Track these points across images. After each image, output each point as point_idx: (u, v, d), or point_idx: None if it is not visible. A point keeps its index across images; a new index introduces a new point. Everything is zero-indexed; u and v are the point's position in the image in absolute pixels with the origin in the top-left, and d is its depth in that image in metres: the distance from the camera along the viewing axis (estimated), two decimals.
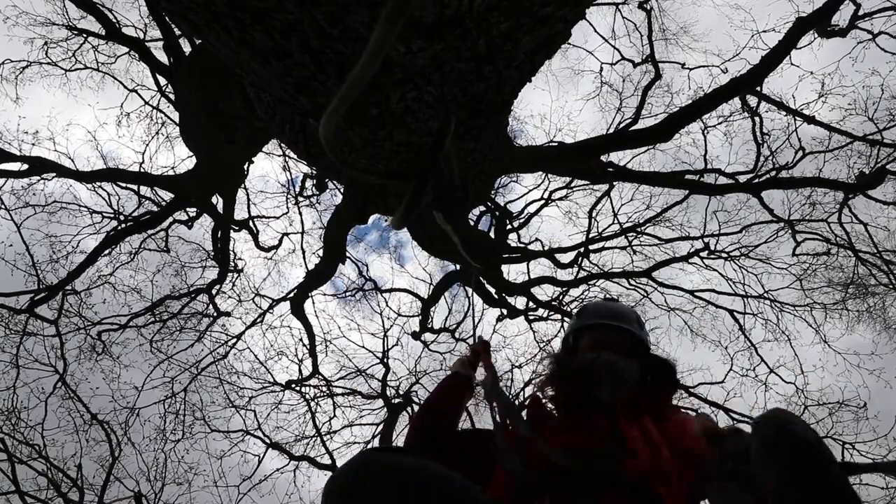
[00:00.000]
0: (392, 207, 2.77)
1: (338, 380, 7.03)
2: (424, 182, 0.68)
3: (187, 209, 5.70)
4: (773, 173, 5.64)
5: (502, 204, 6.36)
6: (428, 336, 7.07)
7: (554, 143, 6.43)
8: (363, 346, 7.08)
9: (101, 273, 6.25)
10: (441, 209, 0.85)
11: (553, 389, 1.21)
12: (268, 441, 6.67)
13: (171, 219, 5.78)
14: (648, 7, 5.91)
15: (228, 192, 5.18)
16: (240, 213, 6.14)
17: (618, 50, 6.66)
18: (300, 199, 6.76)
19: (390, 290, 7.40)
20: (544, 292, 6.72)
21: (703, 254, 6.51)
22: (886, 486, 5.75)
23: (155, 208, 5.73)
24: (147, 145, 6.39)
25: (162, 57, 4.71)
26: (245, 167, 5.31)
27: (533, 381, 5.92)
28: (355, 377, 7.03)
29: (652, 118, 6.63)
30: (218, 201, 5.29)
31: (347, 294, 7.60)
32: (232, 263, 6.43)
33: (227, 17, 1.18)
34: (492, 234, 5.92)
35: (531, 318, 6.62)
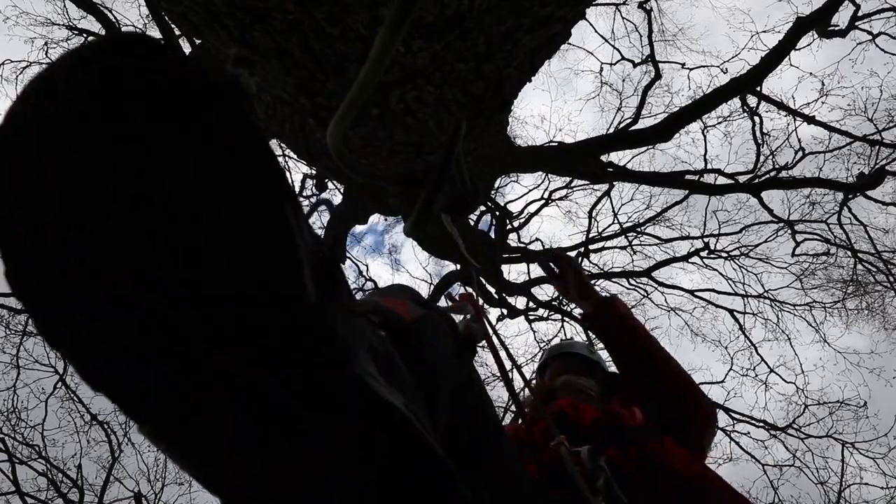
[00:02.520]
0: (392, 207, 2.77)
1: None
2: (437, 189, 0.68)
3: None
4: (773, 173, 5.65)
5: (502, 204, 6.37)
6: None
7: (554, 143, 6.44)
8: None
9: None
10: (451, 213, 0.85)
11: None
12: None
13: None
14: (648, 7, 5.91)
15: None
16: None
17: (618, 50, 6.68)
18: (300, 199, 6.75)
19: None
20: (544, 292, 6.73)
21: (703, 253, 6.52)
22: (886, 486, 5.75)
23: None
24: None
25: None
26: None
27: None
28: None
29: (652, 118, 6.65)
30: None
31: None
32: None
33: (227, 16, 1.18)
34: (492, 234, 5.92)
35: (531, 317, 6.62)
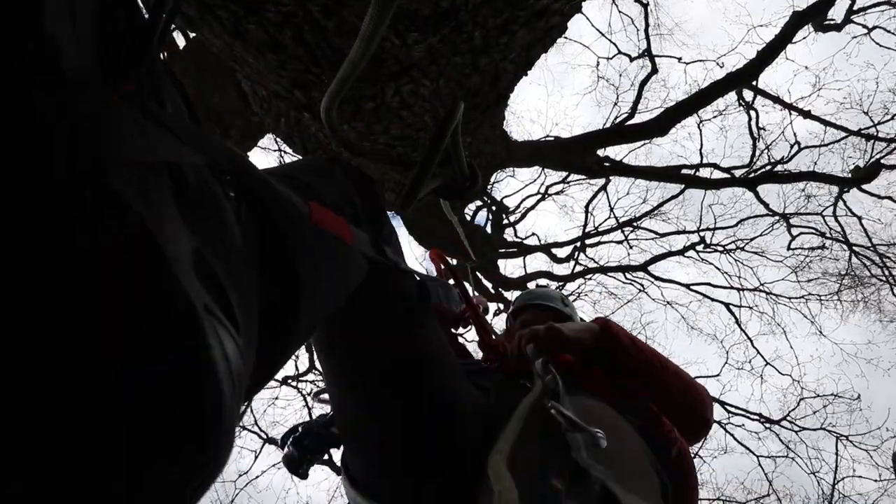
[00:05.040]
0: (388, 202, 2.76)
1: None
2: (430, 162, 0.67)
3: None
4: (769, 167, 5.66)
5: (499, 199, 6.37)
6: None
7: (550, 138, 6.43)
8: None
9: None
10: (448, 197, 0.84)
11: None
12: (264, 436, 6.68)
13: None
14: (645, 1, 5.89)
15: None
16: None
17: (614, 44, 6.66)
18: None
19: None
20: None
21: (699, 247, 6.54)
22: (879, 478, 5.80)
23: None
24: None
25: None
26: None
27: None
28: None
29: (648, 113, 6.65)
30: None
31: None
32: None
33: (220, 8, 1.17)
34: (488, 229, 5.92)
35: None
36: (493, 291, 5.89)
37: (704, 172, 5.54)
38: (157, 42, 0.32)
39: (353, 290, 0.62)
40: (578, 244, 6.32)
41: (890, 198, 5.59)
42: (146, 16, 0.31)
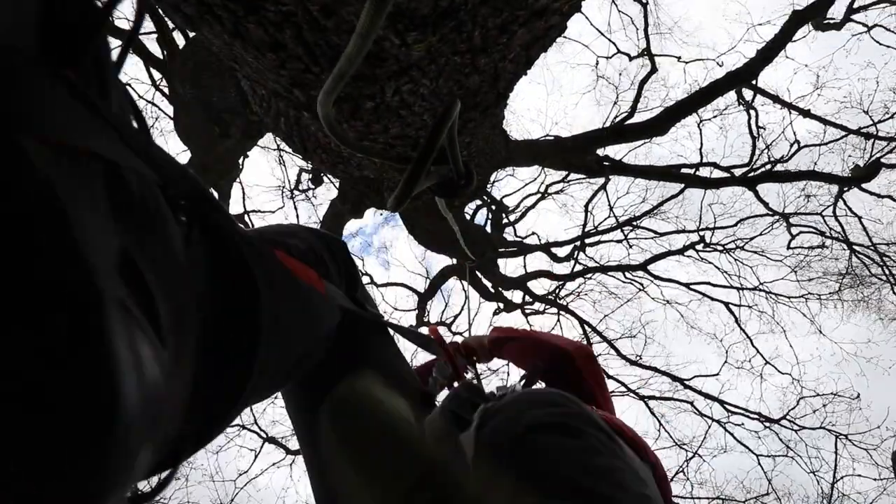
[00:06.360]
0: (387, 201, 2.76)
1: None
2: (424, 160, 0.67)
3: None
4: (769, 167, 5.66)
5: (498, 198, 6.37)
6: (424, 330, 7.03)
7: (550, 137, 6.43)
8: None
9: None
10: (444, 195, 0.85)
11: None
12: (264, 435, 6.68)
13: None
14: (644, 0, 5.88)
15: (223, 186, 5.15)
16: (235, 208, 6.13)
17: (614, 43, 6.65)
18: (296, 193, 6.73)
19: (387, 285, 7.40)
20: (541, 286, 6.75)
21: (699, 247, 6.54)
22: (879, 477, 5.81)
23: None
24: None
25: (156, 50, 4.67)
26: (240, 161, 5.27)
27: None
28: None
29: (648, 112, 6.65)
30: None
31: None
32: None
33: (219, 8, 1.17)
34: (488, 229, 5.92)
35: (527, 311, 6.63)
36: (492, 291, 5.88)
37: (704, 172, 5.54)
38: (104, 30, 0.30)
39: (330, 344, 0.61)
40: (578, 243, 6.32)
41: (890, 197, 5.59)
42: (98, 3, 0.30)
